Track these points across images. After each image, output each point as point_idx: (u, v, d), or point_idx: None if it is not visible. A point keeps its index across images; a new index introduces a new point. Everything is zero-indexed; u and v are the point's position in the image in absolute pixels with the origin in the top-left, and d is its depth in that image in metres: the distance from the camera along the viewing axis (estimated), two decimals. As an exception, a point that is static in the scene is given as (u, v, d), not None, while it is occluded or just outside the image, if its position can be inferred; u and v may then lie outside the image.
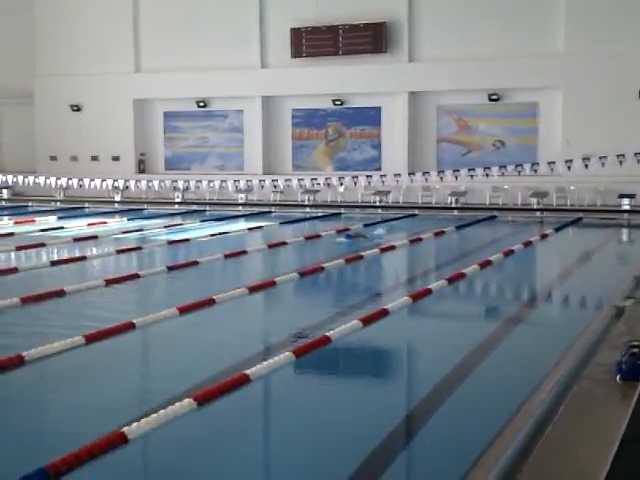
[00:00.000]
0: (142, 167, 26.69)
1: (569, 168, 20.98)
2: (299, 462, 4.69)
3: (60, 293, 9.25)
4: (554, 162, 21.13)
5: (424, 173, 22.20)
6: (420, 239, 14.94)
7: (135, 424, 4.73)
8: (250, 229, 17.28)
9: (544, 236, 15.76)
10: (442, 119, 23.90)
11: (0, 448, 4.86)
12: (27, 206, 23.33)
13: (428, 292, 9.53)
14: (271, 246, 13.86)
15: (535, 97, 22.86)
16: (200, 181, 23.58)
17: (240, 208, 22.73)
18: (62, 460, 4.20)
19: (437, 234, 15.82)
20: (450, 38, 23.18)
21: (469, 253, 14.28)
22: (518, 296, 10.93)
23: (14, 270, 11.13)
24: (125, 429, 4.64)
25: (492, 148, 23.42)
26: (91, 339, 6.93)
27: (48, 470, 4.10)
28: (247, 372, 5.82)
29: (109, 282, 10.00)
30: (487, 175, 21.62)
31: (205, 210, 22.21)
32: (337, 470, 4.48)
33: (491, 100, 23.13)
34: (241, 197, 23.92)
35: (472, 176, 21.70)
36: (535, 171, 21.42)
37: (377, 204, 22.76)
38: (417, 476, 4.69)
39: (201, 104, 25.97)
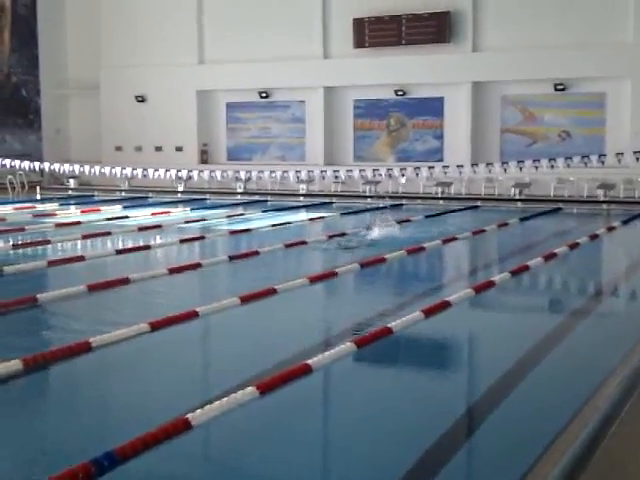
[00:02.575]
0: (205, 157, 26.97)
1: (637, 160, 20.46)
2: (360, 452, 4.69)
3: (125, 281, 9.41)
4: (622, 153, 20.65)
5: (487, 164, 21.91)
6: (483, 231, 14.78)
7: (199, 411, 4.78)
8: (311, 219, 17.32)
9: (611, 229, 15.43)
10: (506, 109, 23.58)
11: (69, 433, 4.97)
12: (93, 195, 23.78)
13: (491, 284, 9.42)
14: (331, 237, 13.85)
15: (603, 87, 22.38)
16: (262, 171, 23.70)
17: (301, 199, 22.79)
18: (129, 444, 4.27)
19: (500, 226, 15.63)
20: (515, 27, 22.83)
21: (533, 245, 14.06)
22: (583, 289, 10.72)
23: (81, 258, 11.36)
24: (189, 415, 4.70)
25: (557, 139, 23.02)
26: (156, 326, 7.03)
27: (115, 454, 4.17)
28: (309, 362, 5.83)
29: (172, 271, 10.13)
30: (552, 166, 21.22)
31: (267, 200, 22.33)
32: (399, 461, 4.46)
33: (557, 90, 22.72)
34: (302, 188, 23.98)
35: (537, 167, 21.32)
36: (602, 163, 20.95)
37: (439, 195, 22.59)
38: (479, 469, 4.64)
39: (263, 95, 26.09)
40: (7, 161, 22.94)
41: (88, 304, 8.79)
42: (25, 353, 6.06)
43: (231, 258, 11.31)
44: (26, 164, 23.18)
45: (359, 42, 24.39)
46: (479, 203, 21.13)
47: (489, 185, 22.69)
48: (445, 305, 8.08)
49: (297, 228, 15.90)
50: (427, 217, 17.76)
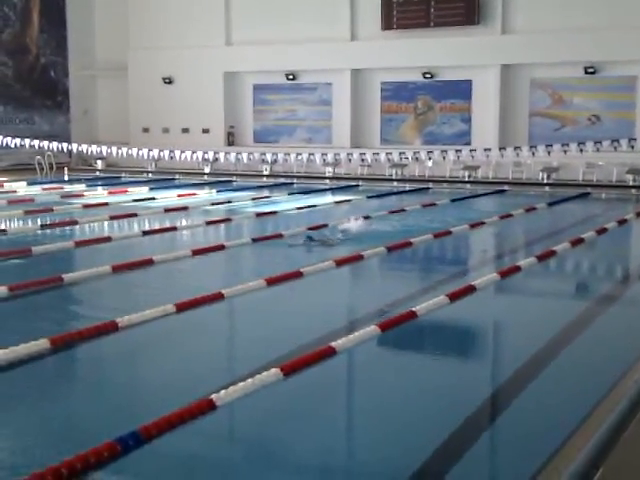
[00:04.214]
0: (231, 140, 27.00)
1: (668, 144, 20.20)
2: (383, 435, 4.69)
3: (150, 262, 9.47)
4: (652, 138, 20.38)
5: (515, 148, 21.70)
6: (510, 215, 14.69)
7: (223, 391, 4.81)
8: (337, 202, 17.29)
9: (640, 214, 15.27)
10: (535, 93, 23.33)
11: (94, 412, 5.02)
12: (120, 177, 23.92)
13: (517, 269, 9.36)
14: (358, 219, 13.82)
15: (634, 71, 22.04)
16: (288, 154, 23.66)
17: (327, 181, 22.77)
18: (154, 424, 4.31)
19: (528, 210, 15.52)
20: (545, 8, 22.53)
21: (560, 230, 13.94)
22: (611, 275, 10.62)
23: (108, 239, 11.45)
24: (214, 396, 4.73)
25: (587, 123, 22.75)
26: (182, 308, 7.07)
27: (140, 433, 4.21)
28: (333, 344, 5.84)
29: (197, 252, 10.17)
30: (581, 150, 20.97)
31: (293, 183, 22.33)
32: (422, 444, 4.46)
33: (587, 73, 22.42)
34: (329, 170, 23.95)
35: (565, 151, 21.08)
36: (632, 147, 20.68)
37: (466, 179, 22.46)
38: (503, 454, 4.62)
39: (290, 77, 26.03)
40: (36, 142, 23.10)
41: (114, 284, 8.85)
42: (51, 333, 6.13)
43: (254, 240, 11.32)
44: (54, 145, 23.33)
45: (387, 24, 24.21)
46: (506, 187, 20.98)
47: (517, 169, 22.50)
48: (470, 289, 8.05)
49: (323, 211, 15.88)
50: (453, 201, 17.67)
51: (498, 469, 4.44)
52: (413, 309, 7.00)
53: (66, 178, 22.86)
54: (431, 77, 24.34)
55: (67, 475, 3.79)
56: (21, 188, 19.27)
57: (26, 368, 5.65)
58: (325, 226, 12.26)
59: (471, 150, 22.27)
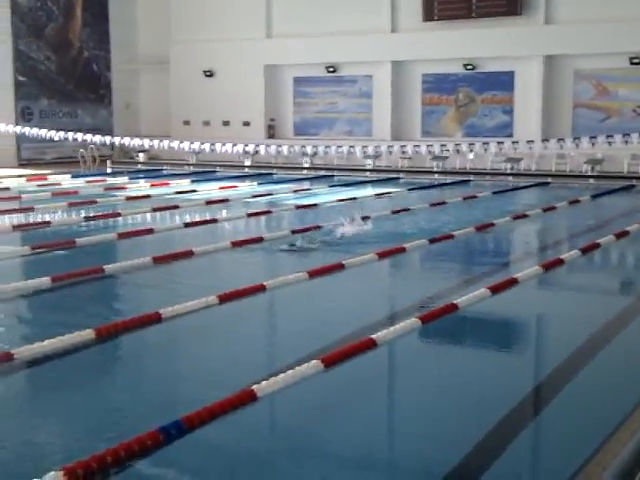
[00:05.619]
0: (272, 132, 27.07)
1: None
2: (424, 428, 4.67)
3: (189, 254, 9.54)
4: (699, 129, 19.97)
5: (559, 140, 21.43)
6: (553, 208, 14.52)
7: (264, 382, 4.83)
8: (378, 195, 17.25)
9: (686, 207, 14.99)
10: (579, 84, 23.00)
11: (137, 401, 5.07)
12: (162, 169, 24.11)
13: (560, 262, 9.26)
14: (397, 212, 13.79)
15: (681, 60, 21.63)
16: (328, 147, 23.66)
17: (368, 174, 22.71)
18: (196, 414, 4.35)
19: (572, 203, 15.33)
20: (589, -1, 22.20)
21: (605, 223, 13.74)
22: (657, 269, 10.44)
23: (150, 231, 11.56)
24: (255, 387, 4.75)
25: (632, 114, 22.37)
26: (224, 299, 7.11)
27: (183, 423, 4.25)
28: (374, 336, 5.84)
29: (237, 244, 10.22)
30: (626, 142, 20.61)
31: (333, 175, 22.31)
32: (463, 438, 4.43)
33: (632, 64, 22.03)
34: (369, 163, 23.89)
35: (610, 143, 20.75)
36: (678, 139, 20.30)
37: (508, 171, 22.24)
38: (546, 447, 4.57)
39: (330, 69, 26.00)
40: (79, 135, 23.40)
41: (157, 276, 8.93)
42: (94, 323, 6.21)
43: (294, 232, 11.31)
44: (97, 138, 23.59)
45: (428, 15, 24.05)
46: (549, 180, 20.73)
47: (560, 161, 22.22)
48: (512, 282, 7.98)
49: (363, 203, 15.85)
50: (495, 193, 17.52)
51: (539, 464, 4.39)
52: (454, 302, 6.96)
53: (109, 171, 23.12)
54: (472, 69, 24.13)
55: (111, 462, 3.84)
56: (65, 181, 19.54)
57: (72, 358, 5.72)
58: (368, 218, 12.19)
59: (513, 142, 22.04)
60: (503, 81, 23.92)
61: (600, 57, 22.40)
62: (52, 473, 3.65)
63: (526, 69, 23.51)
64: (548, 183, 20.28)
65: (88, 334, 5.91)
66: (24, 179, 19.48)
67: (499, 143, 22.06)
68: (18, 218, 13.14)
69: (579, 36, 22.32)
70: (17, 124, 24.03)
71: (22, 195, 15.83)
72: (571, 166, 21.99)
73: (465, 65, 24.10)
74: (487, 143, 22.15)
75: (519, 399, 5.09)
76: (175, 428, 4.19)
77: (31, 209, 13.74)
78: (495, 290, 7.54)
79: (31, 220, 12.86)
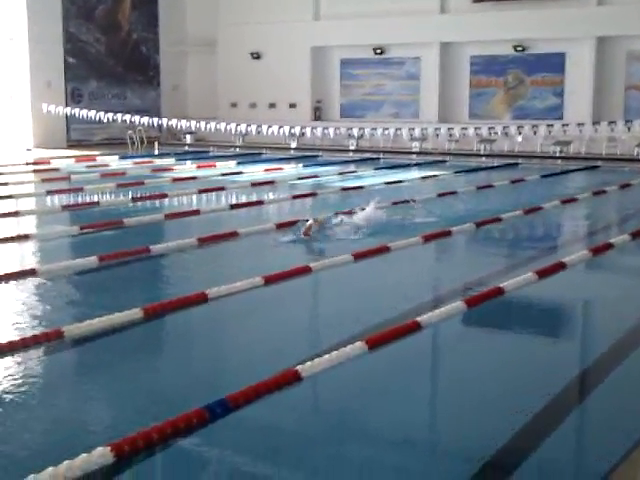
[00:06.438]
0: (318, 114, 27.03)
1: None
2: (466, 411, 4.64)
3: (235, 235, 9.58)
4: None
5: (610, 123, 21.05)
6: (603, 192, 14.28)
7: (309, 363, 4.84)
8: (424, 178, 17.14)
9: None
10: (632, 65, 22.52)
11: (183, 379, 5.13)
12: (208, 151, 24.25)
13: (609, 247, 9.11)
14: (443, 194, 13.68)
15: None
16: (375, 129, 23.56)
17: (414, 157, 22.57)
18: (241, 393, 4.38)
19: (622, 187, 15.06)
20: (644, -22, 21.68)
21: (656, 208, 13.48)
22: None
23: (196, 212, 11.65)
24: (299, 367, 4.77)
25: (686, 97, 21.87)
26: (270, 280, 7.14)
27: (228, 401, 4.28)
28: (418, 319, 5.81)
29: (281, 225, 10.23)
30: (680, 125, 20.20)
31: (379, 158, 22.21)
32: (507, 422, 4.39)
33: (688, 45, 21.53)
34: (415, 145, 23.73)
35: (663, 126, 20.34)
36: None
37: (557, 155, 21.91)
38: (585, 440, 4.51)
39: (378, 51, 25.83)
40: (127, 117, 23.63)
41: (201, 256, 9.00)
42: (141, 302, 6.28)
43: (337, 214, 11.26)
44: (145, 120, 23.80)
45: (477, -4, 23.75)
46: (600, 163, 20.38)
47: (611, 144, 21.81)
48: (560, 267, 7.87)
49: (409, 186, 15.76)
50: (544, 177, 17.28)
51: (580, 454, 4.34)
52: (500, 285, 6.89)
53: (156, 152, 23.32)
54: (522, 50, 23.77)
55: (157, 439, 3.89)
56: (113, 162, 19.76)
57: (120, 336, 5.80)
58: (414, 201, 12.11)
59: (563, 125, 21.70)
60: (554, 63, 23.53)
61: (654, 38, 21.91)
62: (100, 448, 3.71)
63: (577, 50, 23.09)
64: (598, 167, 19.94)
65: (136, 313, 5.99)
66: (73, 160, 19.75)
67: (548, 126, 21.74)
68: (67, 198, 13.34)
69: (632, 17, 21.83)
70: (67, 105, 24.37)
71: (71, 176, 16.06)
72: (622, 149, 21.59)
73: (515, 47, 23.75)
74: (536, 126, 21.85)
75: (563, 385, 5.02)
76: (220, 406, 4.23)
77: (80, 189, 13.95)
78: (542, 274, 7.45)
79: (80, 200, 13.04)
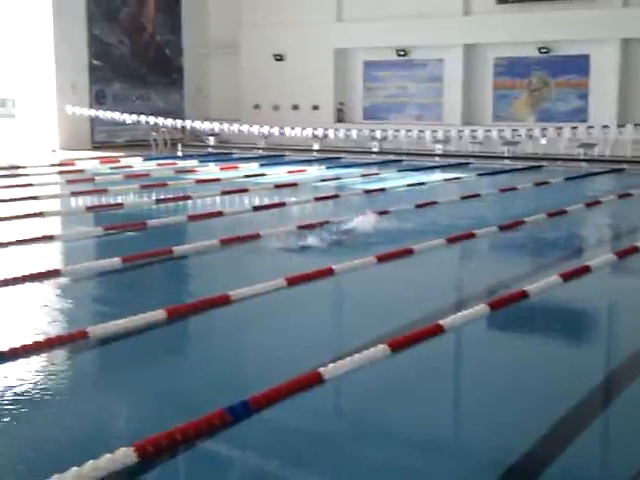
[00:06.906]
0: (341, 116, 27.02)
1: None
2: (487, 415, 4.61)
3: (257, 237, 9.60)
4: None
5: (635, 125, 20.86)
6: (629, 195, 14.16)
7: (331, 365, 4.83)
8: (447, 180, 17.07)
9: None
10: (658, 67, 22.31)
11: (204, 380, 5.13)
12: (231, 153, 24.30)
13: (635, 250, 9.02)
14: (466, 197, 13.62)
15: None
16: (398, 131, 23.52)
17: (437, 159, 22.49)
18: (263, 395, 4.38)
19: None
20: (671, -21, 21.49)
21: (682, 211, 13.34)
22: None
23: (219, 214, 11.68)
24: (321, 369, 4.76)
25: None
26: (292, 282, 7.14)
27: (250, 403, 4.28)
28: (441, 322, 5.79)
29: (303, 227, 10.21)
30: None
31: (402, 160, 22.16)
32: (530, 427, 4.36)
33: None
34: (438, 148, 23.65)
35: (689, 129, 20.13)
36: None
37: (581, 157, 21.74)
38: (615, 440, 4.47)
39: (401, 53, 25.78)
40: (151, 118, 23.75)
41: (223, 258, 9.02)
42: (164, 304, 6.30)
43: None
44: (169, 122, 23.92)
45: (501, -3, 23.64)
46: (625, 166, 20.19)
47: (636, 147, 21.60)
48: (585, 270, 7.81)
49: (433, 188, 15.71)
50: (568, 179, 17.16)
51: (606, 459, 4.29)
52: (524, 288, 6.85)
53: (180, 154, 23.42)
54: (547, 52, 23.63)
55: (180, 440, 3.90)
56: (137, 163, 19.87)
57: (143, 337, 5.82)
58: (435, 203, 12.08)
59: (588, 127, 21.54)
60: (578, 65, 23.37)
61: (681, 40, 21.70)
62: (123, 449, 3.72)
63: (603, 52, 22.91)
64: (623, 169, 19.76)
65: (160, 314, 6.01)
66: (97, 161, 19.88)
67: (573, 128, 21.58)
68: (92, 199, 13.43)
69: (659, 18, 21.64)
70: (91, 107, 24.54)
71: (95, 177, 16.17)
72: (648, 152, 21.39)
73: (539, 48, 23.62)
74: (560, 128, 21.70)
75: (588, 390, 4.97)
76: (242, 408, 4.23)
77: (104, 191, 14.03)
78: (567, 277, 7.39)
79: (104, 202, 13.12)
